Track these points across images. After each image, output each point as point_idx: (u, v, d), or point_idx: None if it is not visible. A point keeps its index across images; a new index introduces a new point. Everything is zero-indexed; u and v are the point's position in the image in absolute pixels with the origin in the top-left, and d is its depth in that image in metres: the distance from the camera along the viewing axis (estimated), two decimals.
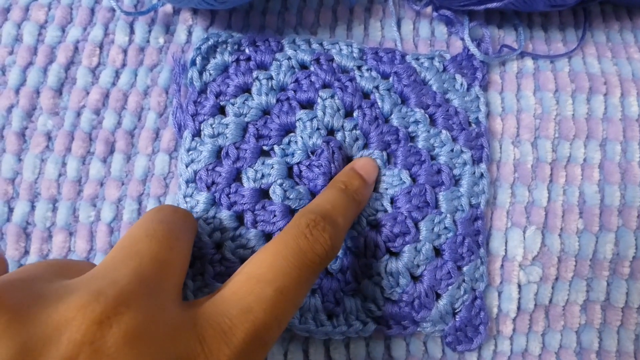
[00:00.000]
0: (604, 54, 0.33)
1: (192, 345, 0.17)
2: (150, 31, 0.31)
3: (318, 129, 0.28)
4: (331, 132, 0.29)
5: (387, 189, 0.28)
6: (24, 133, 0.29)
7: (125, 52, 0.31)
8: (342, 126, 0.29)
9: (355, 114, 0.29)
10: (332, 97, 0.29)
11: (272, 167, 0.27)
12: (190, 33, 0.32)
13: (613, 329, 0.29)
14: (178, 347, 0.16)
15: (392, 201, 0.28)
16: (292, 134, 0.29)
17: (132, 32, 0.31)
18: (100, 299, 0.16)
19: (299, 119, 0.28)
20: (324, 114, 0.28)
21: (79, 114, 0.30)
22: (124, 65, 0.31)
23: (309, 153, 0.28)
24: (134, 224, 0.21)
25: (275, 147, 0.28)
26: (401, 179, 0.28)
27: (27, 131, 0.29)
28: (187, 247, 0.22)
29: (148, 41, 0.31)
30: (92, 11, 0.31)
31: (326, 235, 0.21)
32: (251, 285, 0.19)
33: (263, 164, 0.28)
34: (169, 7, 0.32)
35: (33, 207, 0.28)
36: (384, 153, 0.29)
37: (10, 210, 0.28)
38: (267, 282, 0.19)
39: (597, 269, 0.29)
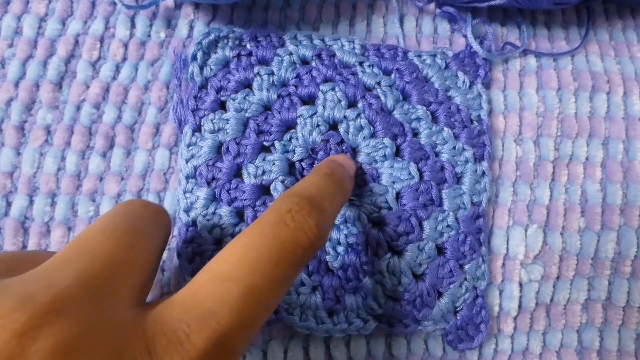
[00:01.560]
0: (607, 53, 0.33)
1: (140, 357, 0.15)
2: (151, 25, 0.31)
3: (318, 125, 0.28)
4: (334, 125, 0.29)
5: (394, 182, 0.28)
6: (23, 127, 0.29)
7: (126, 46, 0.31)
8: (345, 117, 0.28)
9: (360, 104, 0.29)
10: (333, 89, 0.29)
11: (274, 164, 0.27)
12: (191, 28, 0.31)
13: (614, 328, 0.29)
14: (121, 358, 0.14)
15: (397, 196, 0.28)
16: (293, 130, 0.28)
17: (133, 26, 0.31)
18: (26, 306, 0.14)
19: (300, 115, 0.28)
20: (324, 108, 0.28)
21: (78, 108, 0.29)
22: (124, 59, 0.30)
23: (310, 150, 0.28)
24: (97, 219, 0.19)
25: (276, 143, 0.28)
26: (410, 174, 0.28)
27: (26, 125, 0.29)
28: (153, 245, 0.19)
29: (149, 35, 0.31)
30: (93, 4, 0.31)
31: (312, 221, 0.18)
32: (215, 285, 0.16)
33: (264, 159, 0.27)
34: (170, 1, 0.32)
35: (31, 202, 0.28)
36: (394, 143, 0.28)
37: (9, 204, 0.28)
38: (234, 280, 0.16)
39: (598, 268, 0.29)
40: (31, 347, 0.13)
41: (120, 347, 0.15)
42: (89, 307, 0.15)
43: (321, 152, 0.28)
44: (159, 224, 0.20)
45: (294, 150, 0.28)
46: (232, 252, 0.17)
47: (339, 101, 0.28)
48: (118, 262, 0.17)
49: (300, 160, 0.28)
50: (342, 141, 0.28)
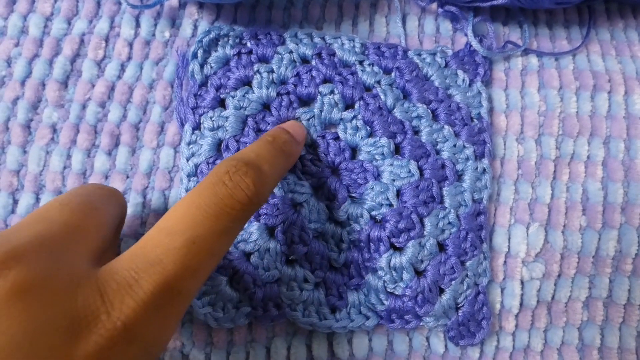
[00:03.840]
0: (608, 52, 0.33)
1: (92, 299, 0.16)
2: (156, 25, 0.31)
3: (314, 125, 0.29)
4: (331, 126, 0.29)
5: (394, 180, 0.28)
6: (29, 125, 0.29)
7: (131, 45, 0.31)
8: (342, 119, 0.29)
9: (356, 105, 0.29)
10: (332, 92, 0.29)
11: None
12: (196, 27, 0.32)
13: (615, 326, 0.29)
14: (75, 301, 0.16)
15: (398, 194, 0.28)
16: None
17: (137, 25, 0.31)
18: None
19: (297, 118, 0.28)
20: (321, 111, 0.29)
21: (84, 107, 0.30)
22: (129, 58, 0.31)
23: (308, 147, 0.29)
24: None
25: None
26: (410, 171, 0.28)
27: (32, 123, 0.29)
28: (107, 216, 0.21)
29: (154, 35, 0.31)
30: (98, 4, 0.31)
31: (248, 180, 0.20)
32: (160, 238, 0.18)
33: None
34: (174, 1, 0.32)
35: (38, 199, 0.28)
36: (391, 142, 0.29)
37: (15, 202, 0.28)
38: (177, 233, 0.18)
39: (599, 266, 0.29)
40: None
41: (74, 291, 0.16)
42: (46, 259, 0.17)
43: (320, 148, 0.28)
44: (113, 201, 0.23)
45: None
46: (176, 210, 0.19)
47: (336, 104, 0.29)
48: (74, 227, 0.19)
49: (303, 158, 0.28)
50: (338, 137, 0.29)
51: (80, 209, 0.20)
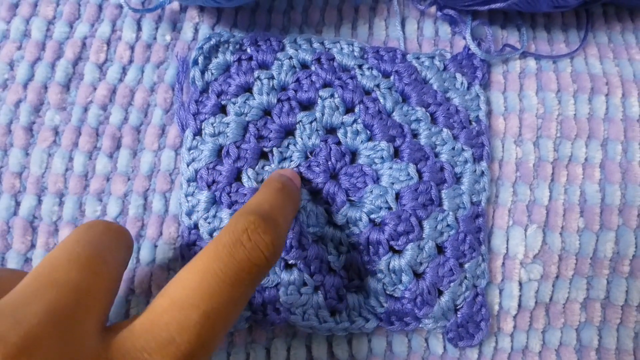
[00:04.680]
0: (606, 55, 0.33)
1: None
2: (157, 28, 0.32)
3: (317, 130, 0.29)
4: (332, 130, 0.29)
5: (393, 183, 0.28)
6: (31, 128, 0.30)
7: (132, 48, 0.31)
8: (342, 123, 0.29)
9: (356, 109, 0.29)
10: (332, 96, 0.29)
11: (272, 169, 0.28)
12: (196, 30, 0.32)
13: (613, 327, 0.29)
14: None
15: (397, 197, 0.28)
16: (291, 136, 0.29)
17: (139, 28, 0.31)
18: None
19: (299, 121, 0.29)
20: (323, 114, 0.29)
21: (86, 110, 0.30)
22: (131, 61, 0.31)
23: (308, 154, 0.29)
24: (58, 245, 0.19)
25: (274, 150, 0.28)
26: (409, 174, 0.28)
27: (34, 126, 0.30)
28: (116, 269, 0.20)
29: (155, 38, 0.31)
30: (100, 8, 0.32)
31: (268, 239, 0.19)
32: (174, 312, 0.17)
33: (263, 167, 0.28)
34: (175, 5, 0.32)
35: (40, 201, 0.29)
36: (391, 145, 0.29)
37: (17, 204, 0.29)
38: (192, 306, 0.17)
39: (597, 268, 0.30)
40: None
41: None
42: (58, 343, 0.15)
43: (322, 153, 0.28)
44: (122, 246, 0.21)
45: (291, 157, 0.28)
46: (190, 278, 0.18)
47: (337, 108, 0.29)
48: (84, 291, 0.17)
49: (297, 166, 0.28)
50: (339, 142, 0.29)
51: (90, 267, 0.18)
